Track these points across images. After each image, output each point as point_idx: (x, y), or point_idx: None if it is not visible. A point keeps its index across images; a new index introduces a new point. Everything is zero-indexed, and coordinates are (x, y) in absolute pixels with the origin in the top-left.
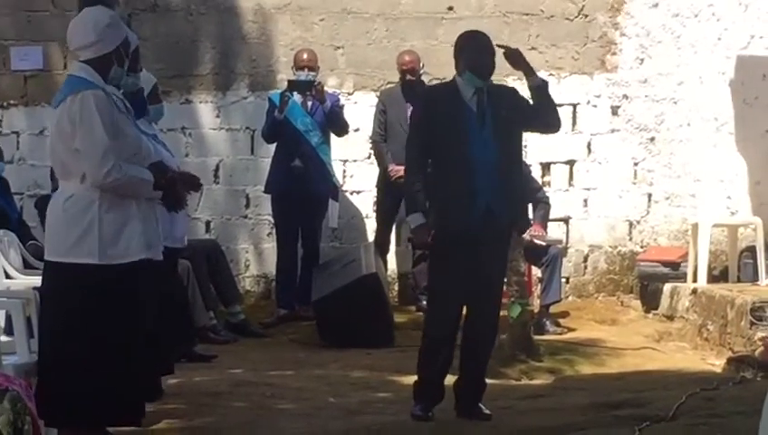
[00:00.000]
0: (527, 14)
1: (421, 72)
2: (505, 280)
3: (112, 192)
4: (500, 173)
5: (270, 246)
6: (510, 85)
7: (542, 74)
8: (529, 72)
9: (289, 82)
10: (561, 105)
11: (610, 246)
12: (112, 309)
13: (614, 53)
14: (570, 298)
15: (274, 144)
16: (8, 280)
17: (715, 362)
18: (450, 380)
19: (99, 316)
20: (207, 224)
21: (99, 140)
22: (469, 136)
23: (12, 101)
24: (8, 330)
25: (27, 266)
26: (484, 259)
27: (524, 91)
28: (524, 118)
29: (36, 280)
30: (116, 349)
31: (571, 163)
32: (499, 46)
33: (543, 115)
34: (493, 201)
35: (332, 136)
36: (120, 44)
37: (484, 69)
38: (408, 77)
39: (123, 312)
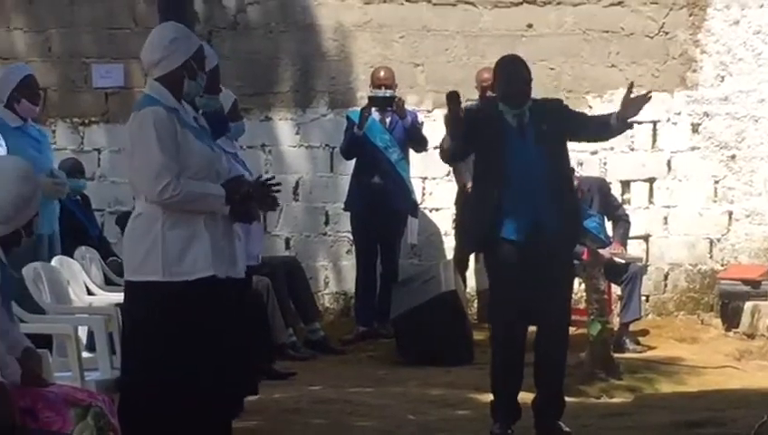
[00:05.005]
0: (607, 32)
1: None
2: (585, 298)
3: (177, 209)
4: (548, 187)
5: (349, 263)
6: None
7: (621, 92)
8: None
9: (369, 98)
10: (641, 123)
11: (691, 265)
12: (181, 326)
13: (694, 71)
14: (650, 316)
15: (353, 161)
16: (90, 296)
17: None
18: (529, 397)
19: (167, 333)
20: (287, 241)
21: (153, 158)
22: (509, 151)
23: (93, 118)
24: (90, 346)
25: (109, 283)
26: (541, 275)
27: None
28: (571, 128)
29: (118, 296)
30: (188, 365)
31: (651, 181)
32: (630, 90)
33: (597, 132)
34: (541, 216)
35: (411, 153)
36: (191, 57)
37: (514, 99)
38: (488, 94)
39: (192, 329)
